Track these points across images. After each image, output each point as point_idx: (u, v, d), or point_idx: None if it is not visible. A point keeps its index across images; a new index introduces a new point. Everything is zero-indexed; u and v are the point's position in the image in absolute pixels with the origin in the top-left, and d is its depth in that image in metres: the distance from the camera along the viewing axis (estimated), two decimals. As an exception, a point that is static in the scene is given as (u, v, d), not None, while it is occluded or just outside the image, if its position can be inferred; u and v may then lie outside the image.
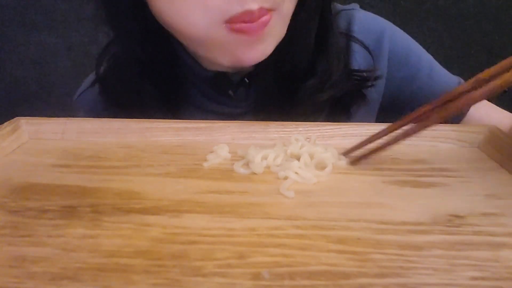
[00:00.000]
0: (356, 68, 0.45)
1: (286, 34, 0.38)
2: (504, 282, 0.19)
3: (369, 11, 0.50)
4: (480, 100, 0.26)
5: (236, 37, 0.33)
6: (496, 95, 0.26)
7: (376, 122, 0.49)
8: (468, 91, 0.26)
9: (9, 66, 1.24)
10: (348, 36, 0.46)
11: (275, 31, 0.36)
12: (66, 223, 0.24)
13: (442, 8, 1.06)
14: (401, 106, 0.48)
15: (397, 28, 0.50)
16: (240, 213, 0.24)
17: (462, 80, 0.48)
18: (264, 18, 0.32)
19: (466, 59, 1.07)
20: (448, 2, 1.06)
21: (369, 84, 0.45)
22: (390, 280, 0.19)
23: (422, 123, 0.28)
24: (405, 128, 0.29)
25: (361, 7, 0.51)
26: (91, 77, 0.50)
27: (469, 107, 0.45)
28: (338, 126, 0.36)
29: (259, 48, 0.35)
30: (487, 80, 0.25)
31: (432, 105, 0.28)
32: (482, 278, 0.19)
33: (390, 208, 0.25)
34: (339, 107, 0.44)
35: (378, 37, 0.47)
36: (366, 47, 0.46)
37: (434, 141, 0.35)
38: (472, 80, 0.26)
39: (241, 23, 0.32)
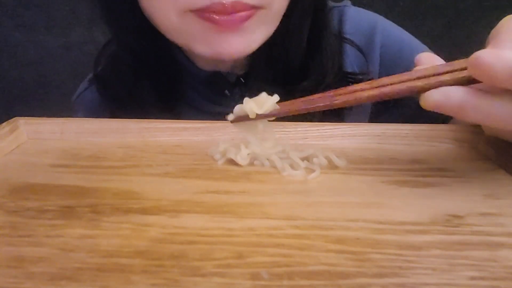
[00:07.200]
0: (349, 69, 0.45)
1: (279, 33, 0.37)
2: (502, 282, 0.19)
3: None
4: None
5: (208, 26, 0.33)
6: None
7: (370, 119, 0.49)
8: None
9: (7, 66, 1.24)
10: (341, 37, 0.46)
11: (261, 27, 0.35)
12: (65, 223, 0.23)
13: (442, 7, 1.06)
14: (394, 102, 0.48)
15: (389, 22, 0.49)
16: (239, 213, 0.24)
17: None
18: (244, 14, 0.32)
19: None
20: (447, 2, 1.06)
21: None
22: (389, 280, 0.19)
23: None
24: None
25: (359, 7, 0.51)
26: (89, 78, 0.50)
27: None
28: (337, 126, 0.36)
29: (239, 42, 0.34)
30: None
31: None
32: (481, 278, 0.19)
33: (388, 208, 0.25)
34: (332, 109, 0.44)
35: (370, 33, 0.47)
36: (358, 48, 0.46)
37: (433, 141, 0.35)
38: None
39: (211, 13, 0.32)
